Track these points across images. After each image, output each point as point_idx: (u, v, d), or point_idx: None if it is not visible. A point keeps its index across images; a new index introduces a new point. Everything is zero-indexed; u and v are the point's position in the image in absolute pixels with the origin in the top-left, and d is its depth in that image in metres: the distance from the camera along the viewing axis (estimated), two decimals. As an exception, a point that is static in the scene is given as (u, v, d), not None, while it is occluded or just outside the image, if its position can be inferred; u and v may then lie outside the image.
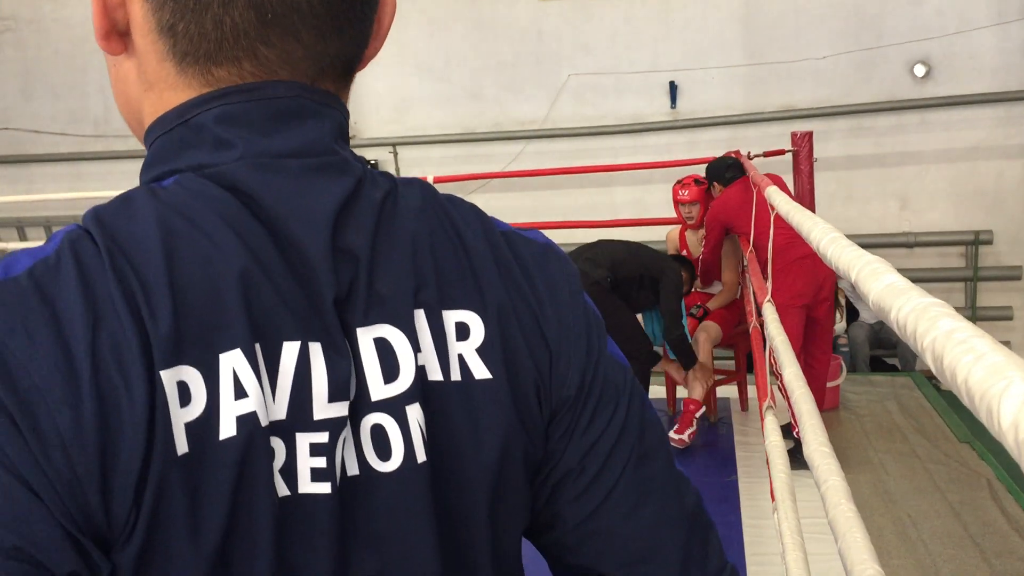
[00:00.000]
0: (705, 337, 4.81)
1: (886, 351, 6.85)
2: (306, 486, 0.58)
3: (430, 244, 0.66)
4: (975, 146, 6.99)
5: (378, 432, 0.61)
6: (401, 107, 8.06)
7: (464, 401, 0.64)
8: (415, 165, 7.95)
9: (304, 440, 0.58)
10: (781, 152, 5.71)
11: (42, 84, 8.49)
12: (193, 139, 0.62)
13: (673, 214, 5.44)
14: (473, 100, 7.93)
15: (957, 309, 0.63)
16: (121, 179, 8.20)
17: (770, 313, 2.66)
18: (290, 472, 0.58)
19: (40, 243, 0.58)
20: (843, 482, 1.33)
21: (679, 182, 5.19)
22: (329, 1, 0.62)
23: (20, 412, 0.51)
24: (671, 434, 4.49)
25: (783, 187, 4.55)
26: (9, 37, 8.50)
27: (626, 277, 4.48)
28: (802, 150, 5.44)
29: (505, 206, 7.65)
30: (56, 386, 0.51)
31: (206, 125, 0.61)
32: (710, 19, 7.35)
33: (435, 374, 0.63)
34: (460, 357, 0.64)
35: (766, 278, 3.01)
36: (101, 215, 0.58)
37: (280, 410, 0.58)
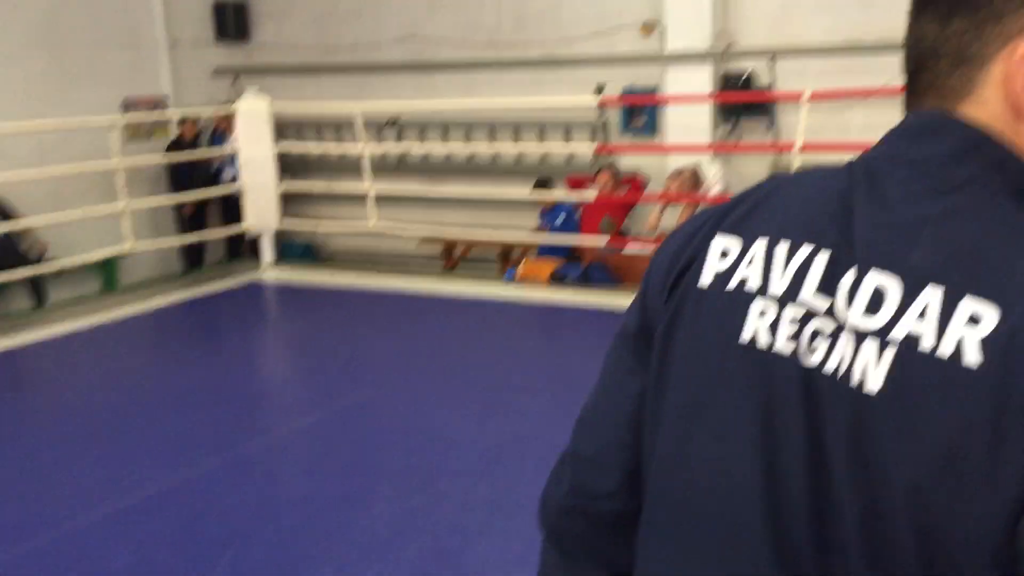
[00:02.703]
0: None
1: None
2: (779, 344, 0.81)
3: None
4: None
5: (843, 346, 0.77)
6: (782, 14, 7.76)
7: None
8: (792, 76, 7.66)
9: (788, 311, 0.81)
10: None
11: (445, -4, 9.24)
12: None
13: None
14: (861, 7, 7.43)
15: None
16: (510, 87, 8.78)
17: None
18: (773, 329, 0.81)
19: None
20: None
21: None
22: None
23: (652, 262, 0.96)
24: None
25: None
26: (419, -47, 9.30)
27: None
28: None
29: (887, 122, 7.10)
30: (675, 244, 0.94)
31: None
32: None
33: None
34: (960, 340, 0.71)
35: None
36: None
37: (782, 285, 0.82)
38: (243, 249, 9.34)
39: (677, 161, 7.68)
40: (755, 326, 0.82)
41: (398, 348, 5.77)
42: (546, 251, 7.92)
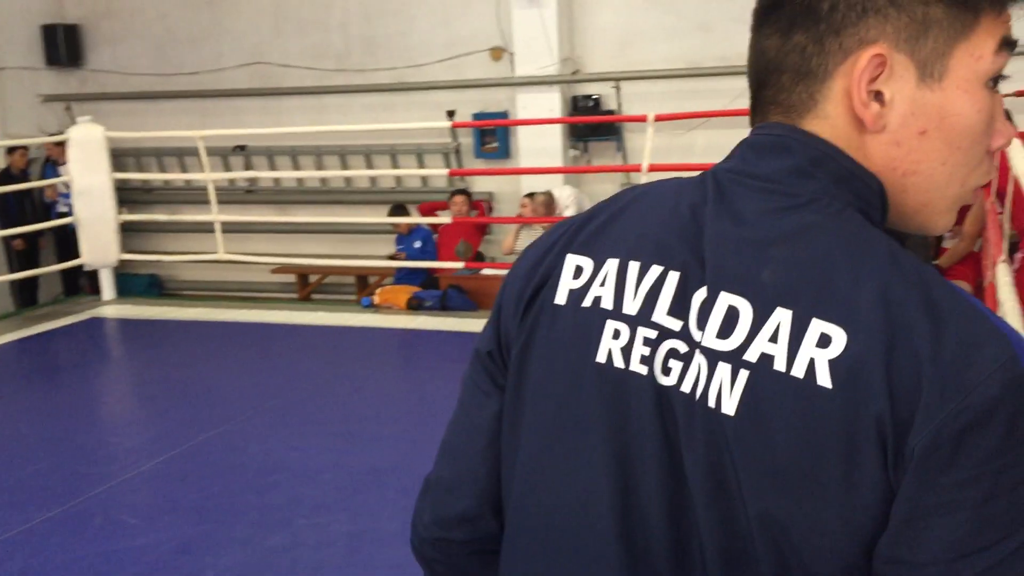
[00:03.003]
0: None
1: None
2: (633, 365, 0.80)
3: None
4: None
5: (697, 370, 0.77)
6: (625, 41, 7.99)
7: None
8: (637, 101, 7.89)
9: (641, 332, 0.80)
10: (1040, 88, 5.21)
11: (290, 21, 9.07)
12: None
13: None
14: (701, 33, 7.74)
15: None
16: (360, 112, 8.68)
17: (1004, 275, 2.49)
18: (627, 351, 0.80)
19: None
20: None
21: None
22: None
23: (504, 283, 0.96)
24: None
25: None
26: (263, -23, 9.11)
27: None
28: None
29: (729, 143, 7.41)
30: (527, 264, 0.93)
31: None
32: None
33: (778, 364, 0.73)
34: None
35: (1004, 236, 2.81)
36: None
37: (634, 306, 0.81)
38: (82, 284, 8.85)
39: (531, 184, 7.76)
40: (609, 346, 0.81)
41: (250, 382, 5.56)
42: (403, 277, 7.85)
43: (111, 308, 7.57)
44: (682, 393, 0.76)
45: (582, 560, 0.82)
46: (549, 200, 7.26)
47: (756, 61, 0.83)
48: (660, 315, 0.79)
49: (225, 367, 5.99)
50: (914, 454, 0.67)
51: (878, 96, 0.77)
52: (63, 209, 8.64)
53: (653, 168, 6.57)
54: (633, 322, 0.81)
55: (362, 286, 8.69)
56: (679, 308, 0.78)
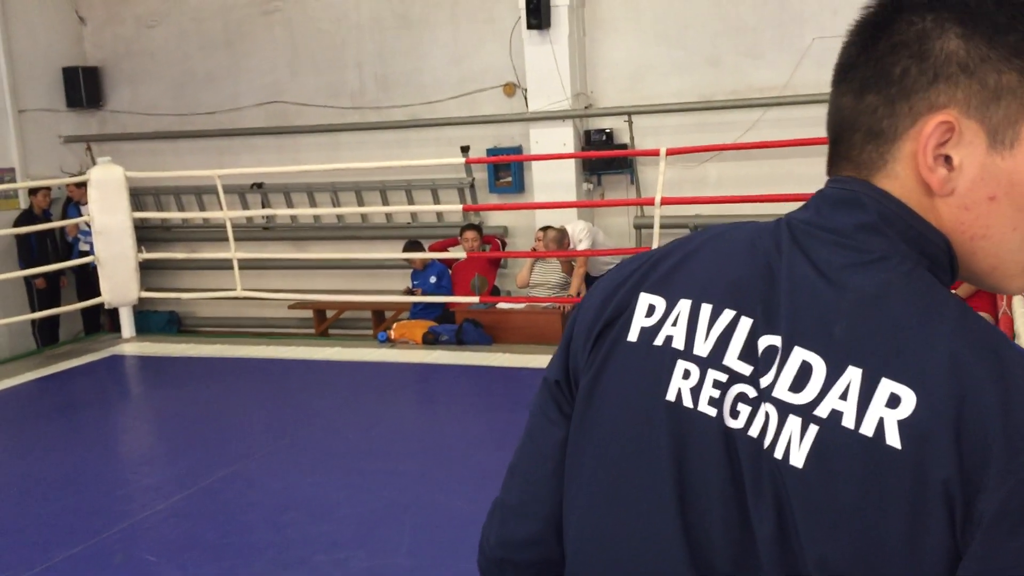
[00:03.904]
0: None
1: None
2: (702, 406, 0.82)
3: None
4: None
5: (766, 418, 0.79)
6: (636, 75, 8.07)
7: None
8: (649, 134, 7.94)
9: (711, 374, 0.82)
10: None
11: (306, 60, 9.21)
12: None
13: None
14: (711, 67, 7.80)
15: None
16: (375, 149, 8.78)
17: (1020, 307, 2.49)
18: (696, 391, 0.82)
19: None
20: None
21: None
22: None
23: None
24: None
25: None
26: (279, 17, 9.27)
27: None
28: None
29: (742, 175, 7.51)
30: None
31: None
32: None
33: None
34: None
35: None
36: None
37: (705, 348, 0.83)
38: (102, 322, 8.93)
39: (545, 217, 7.81)
40: (679, 385, 0.83)
41: (267, 418, 5.59)
42: (419, 312, 7.89)
43: (131, 346, 7.64)
44: (749, 437, 0.78)
45: None
46: (561, 236, 7.30)
47: (833, 116, 0.85)
48: (731, 359, 0.81)
49: (242, 403, 6.03)
50: (983, 518, 0.68)
51: (947, 160, 0.77)
52: (84, 248, 8.74)
53: (666, 201, 6.61)
54: (704, 364, 0.82)
55: (378, 321, 8.73)
56: (749, 354, 0.80)
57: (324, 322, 9.08)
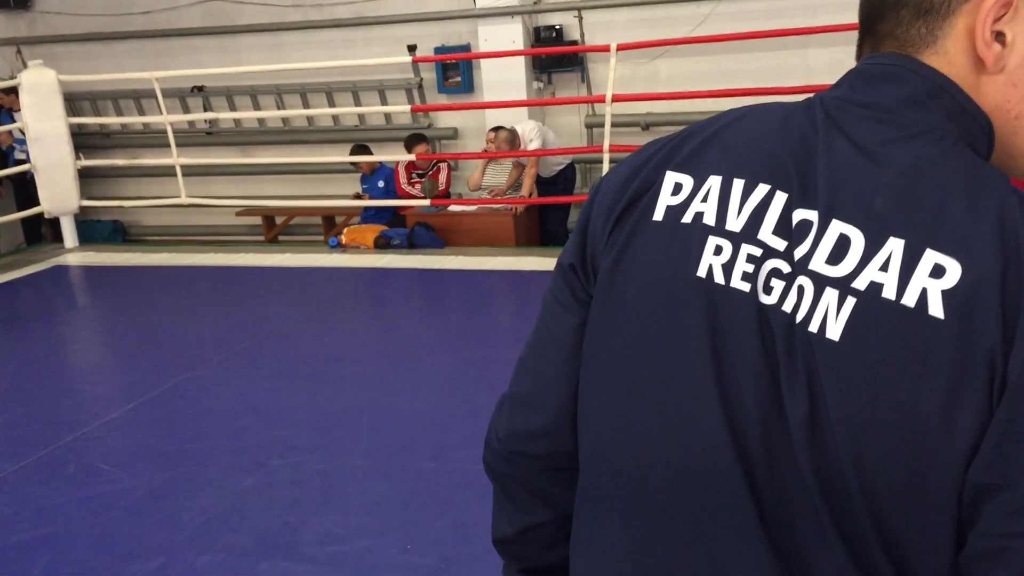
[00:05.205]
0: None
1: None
2: (735, 282, 0.79)
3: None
4: None
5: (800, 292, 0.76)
6: (587, -31, 7.87)
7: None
8: (600, 30, 7.80)
9: (745, 249, 0.80)
10: None
11: (244, -44, 8.82)
12: None
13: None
14: (662, -41, 7.63)
15: None
16: (319, 49, 8.52)
17: None
18: (728, 267, 0.80)
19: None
20: None
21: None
22: None
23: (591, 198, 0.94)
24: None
25: None
26: (213, -90, 8.83)
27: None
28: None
29: (694, 71, 7.43)
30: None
31: None
32: None
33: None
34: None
35: None
36: None
37: (738, 224, 0.80)
38: (44, 233, 8.71)
39: (496, 117, 7.69)
40: (710, 262, 0.81)
41: (218, 326, 5.54)
42: (370, 216, 7.80)
43: (74, 256, 7.48)
44: (783, 312, 0.76)
45: (685, 473, 0.81)
46: (512, 136, 7.20)
47: None
48: (765, 233, 0.79)
49: (193, 312, 5.96)
50: (1010, 378, 0.67)
51: (999, 36, 0.76)
52: (20, 156, 8.45)
53: (617, 98, 6.53)
54: (737, 239, 0.80)
55: (329, 226, 8.63)
56: (784, 228, 0.78)
57: (273, 229, 8.94)
